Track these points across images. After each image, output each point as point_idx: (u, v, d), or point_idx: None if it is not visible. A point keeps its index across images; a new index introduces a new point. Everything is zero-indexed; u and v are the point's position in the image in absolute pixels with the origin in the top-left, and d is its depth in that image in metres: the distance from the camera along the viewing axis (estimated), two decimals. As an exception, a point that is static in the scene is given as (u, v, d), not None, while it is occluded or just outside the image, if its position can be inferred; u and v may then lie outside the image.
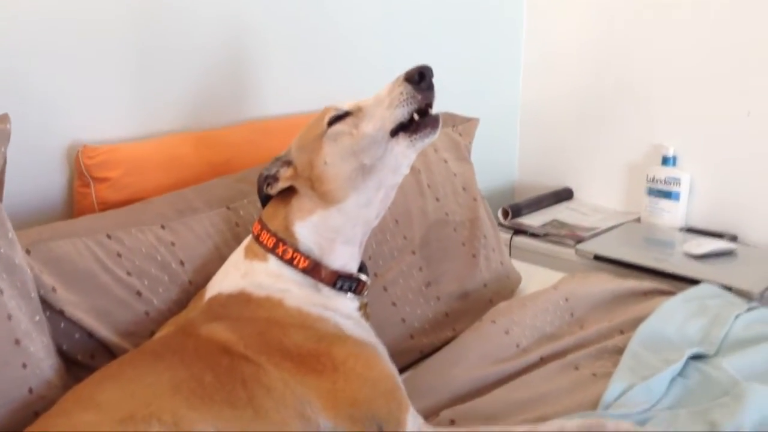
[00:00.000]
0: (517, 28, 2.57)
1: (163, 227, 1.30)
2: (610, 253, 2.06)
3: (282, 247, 1.17)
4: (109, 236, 1.24)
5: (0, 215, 1.01)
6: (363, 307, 1.22)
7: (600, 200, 2.54)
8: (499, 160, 2.66)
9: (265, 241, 1.18)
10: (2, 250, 1.00)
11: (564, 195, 2.58)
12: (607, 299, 1.60)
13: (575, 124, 2.55)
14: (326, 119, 1.16)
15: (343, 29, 1.97)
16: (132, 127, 1.55)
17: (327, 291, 1.18)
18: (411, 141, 1.13)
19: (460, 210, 1.69)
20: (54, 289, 1.13)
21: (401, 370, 1.43)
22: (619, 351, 1.37)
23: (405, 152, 1.14)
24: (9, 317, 0.98)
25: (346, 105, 1.17)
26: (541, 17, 2.54)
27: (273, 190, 1.22)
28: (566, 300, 1.54)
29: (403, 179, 1.57)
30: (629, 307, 1.58)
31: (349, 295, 1.19)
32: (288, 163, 1.20)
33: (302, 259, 1.16)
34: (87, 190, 1.42)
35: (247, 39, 1.74)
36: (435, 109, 1.16)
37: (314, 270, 1.16)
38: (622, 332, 1.46)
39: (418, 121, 1.13)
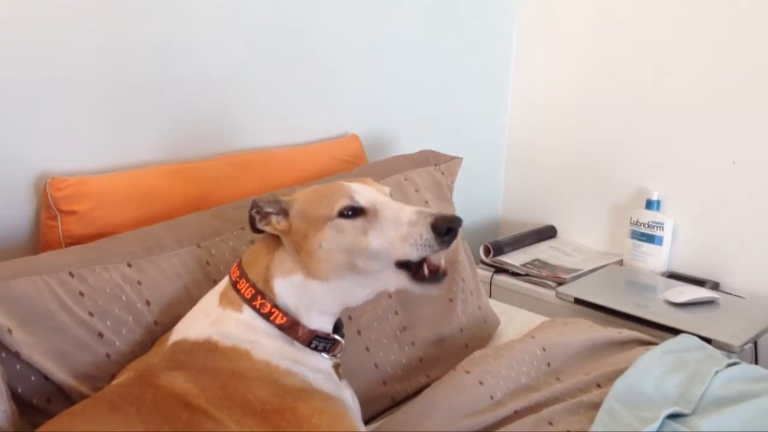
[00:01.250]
0: (505, 65, 2.56)
1: (129, 265, 1.26)
2: (590, 297, 2.04)
3: (260, 300, 1.12)
4: (71, 274, 1.19)
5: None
6: (336, 368, 1.18)
7: (583, 240, 2.52)
8: (483, 195, 2.65)
9: (243, 290, 1.14)
10: (-46, 293, 0.95)
11: (547, 233, 2.56)
12: (585, 349, 1.57)
13: (561, 163, 2.54)
14: (338, 207, 1.09)
15: (326, 64, 1.95)
16: (104, 159, 1.52)
17: (299, 346, 1.14)
18: (410, 283, 1.09)
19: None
20: (9, 331, 1.09)
21: (372, 418, 1.40)
22: (596, 406, 1.34)
23: (400, 284, 1.11)
24: (-42, 363, 0.94)
25: (364, 196, 1.11)
26: (530, 56, 2.53)
27: (261, 226, 1.17)
28: (543, 350, 1.50)
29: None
30: (607, 359, 1.55)
31: (324, 355, 1.15)
32: (285, 213, 1.15)
33: (280, 315, 1.12)
34: (54, 223, 1.38)
35: (226, 71, 1.71)
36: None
37: (291, 328, 1.12)
38: (599, 386, 1.42)
39: (428, 277, 1.09)
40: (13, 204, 1.39)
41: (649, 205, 2.26)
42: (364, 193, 1.12)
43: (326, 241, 1.10)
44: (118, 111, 1.53)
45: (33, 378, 1.11)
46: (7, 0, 1.32)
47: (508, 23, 2.53)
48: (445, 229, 1.04)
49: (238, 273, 1.16)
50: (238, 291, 1.14)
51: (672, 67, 2.21)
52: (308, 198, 1.15)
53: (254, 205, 1.16)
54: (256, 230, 1.18)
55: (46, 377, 1.12)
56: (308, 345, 1.13)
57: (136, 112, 1.56)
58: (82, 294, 1.19)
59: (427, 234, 1.04)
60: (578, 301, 2.04)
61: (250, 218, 1.17)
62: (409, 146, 2.09)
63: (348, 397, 1.17)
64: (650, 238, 2.25)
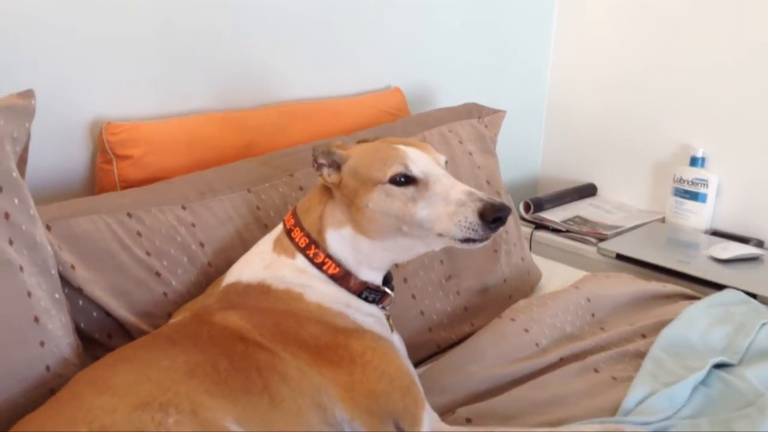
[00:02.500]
0: (547, 20, 2.53)
1: (184, 208, 1.29)
2: (632, 253, 2.03)
3: (314, 249, 1.14)
4: (129, 215, 1.22)
5: (23, 192, 1.00)
6: (386, 320, 1.20)
7: (624, 198, 2.50)
8: (522, 153, 2.63)
9: (297, 239, 1.15)
10: (24, 227, 0.98)
11: (587, 191, 2.54)
12: (629, 301, 1.58)
13: (602, 120, 2.51)
14: (391, 173, 1.09)
15: (371, 15, 1.94)
16: (155, 106, 1.54)
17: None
18: (453, 243, 1.09)
19: (484, 202, 1.66)
20: (73, 267, 1.12)
21: (418, 363, 1.42)
22: (641, 355, 1.35)
23: (443, 244, 1.11)
24: (29, 294, 0.97)
25: (418, 165, 1.10)
26: (572, 9, 2.49)
27: (317, 175, 1.17)
28: (588, 300, 1.51)
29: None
30: (652, 311, 1.55)
31: (373, 306, 1.17)
32: (338, 167, 1.15)
33: (333, 265, 1.13)
34: (109, 167, 1.41)
35: (274, 21, 1.71)
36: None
37: (343, 278, 1.13)
38: (644, 336, 1.43)
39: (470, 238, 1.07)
40: (70, 148, 1.42)
41: (694, 162, 2.23)
42: (419, 161, 1.11)
43: (374, 202, 1.10)
44: (170, 59, 1.54)
45: (95, 314, 1.15)
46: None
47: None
48: (493, 217, 1.04)
49: (292, 221, 1.17)
50: (292, 239, 1.16)
51: (717, 20, 2.15)
52: (363, 157, 1.14)
53: (316, 151, 1.17)
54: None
55: (107, 313, 1.15)
56: (359, 295, 1.15)
57: (187, 61, 1.57)
58: (139, 234, 1.22)
59: (474, 218, 1.04)
60: (620, 257, 2.04)
61: (312, 163, 1.18)
62: (450, 100, 2.08)
63: (396, 341, 1.19)
64: (694, 196, 2.22)
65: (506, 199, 1.75)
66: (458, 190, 1.07)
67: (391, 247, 1.14)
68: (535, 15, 2.48)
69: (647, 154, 2.42)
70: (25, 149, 1.04)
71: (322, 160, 1.16)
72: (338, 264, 1.13)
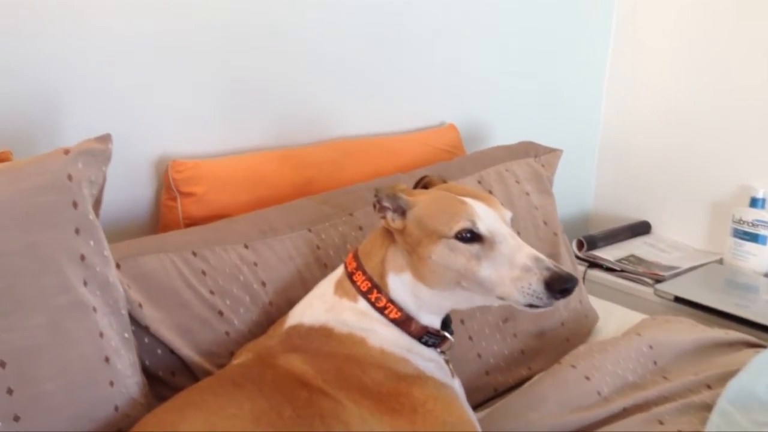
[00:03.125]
0: (602, 57, 2.51)
1: (246, 247, 1.30)
2: (691, 296, 1.98)
3: (376, 294, 1.13)
4: (194, 253, 1.24)
5: (98, 234, 1.02)
6: (446, 364, 1.19)
7: (679, 237, 2.45)
8: (573, 188, 2.60)
9: (359, 283, 1.15)
10: (98, 268, 1.01)
11: (641, 229, 2.50)
12: (692, 349, 1.53)
13: (657, 156, 2.47)
14: (457, 228, 1.07)
15: (425, 54, 1.95)
16: (217, 143, 1.56)
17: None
18: (514, 305, 1.07)
19: (541, 245, 1.65)
20: (140, 305, 1.14)
21: (475, 407, 1.40)
22: (707, 408, 1.31)
23: (503, 304, 1.10)
24: (101, 335, 0.99)
25: (485, 222, 1.08)
26: (628, 48, 2.47)
27: (379, 218, 1.17)
28: (650, 347, 1.48)
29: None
30: (715, 359, 1.51)
31: (432, 350, 1.15)
32: (403, 212, 1.14)
33: (395, 310, 1.12)
34: (173, 204, 1.43)
35: (329, 59, 1.73)
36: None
37: (405, 323, 1.13)
38: (709, 387, 1.39)
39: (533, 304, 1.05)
40: (136, 185, 1.45)
41: (754, 203, 2.18)
42: (486, 218, 1.09)
43: (437, 255, 1.09)
44: (231, 98, 1.57)
45: (159, 352, 1.16)
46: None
47: (607, 15, 2.47)
48: (560, 291, 1.02)
49: (354, 264, 1.17)
50: (354, 282, 1.15)
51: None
52: (429, 207, 1.13)
53: (375, 194, 1.16)
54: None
55: (171, 351, 1.16)
56: (419, 339, 1.14)
57: (247, 99, 1.60)
58: (204, 273, 1.23)
59: (539, 287, 1.02)
60: (678, 300, 1.99)
61: (374, 204, 1.18)
62: (503, 135, 2.08)
63: (457, 386, 1.18)
64: (753, 237, 2.17)
65: (563, 240, 1.73)
66: (524, 254, 1.05)
67: (450, 297, 1.13)
68: (589, 51, 2.47)
69: (704, 192, 2.38)
70: (101, 191, 1.06)
71: (386, 204, 1.15)
72: (399, 308, 1.13)
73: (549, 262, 1.04)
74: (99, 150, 1.03)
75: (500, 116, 2.20)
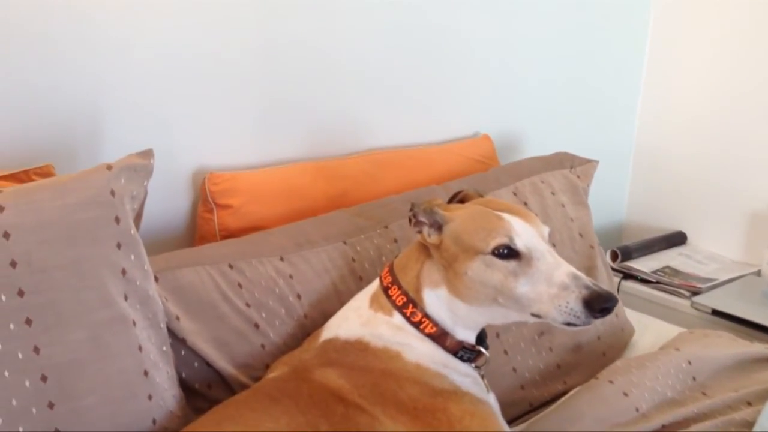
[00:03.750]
0: (638, 66, 2.48)
1: (282, 259, 1.31)
2: (729, 309, 1.95)
3: (411, 308, 1.13)
4: (231, 266, 1.25)
5: (138, 248, 1.03)
6: (481, 379, 1.18)
7: (716, 248, 2.41)
8: (607, 198, 2.57)
9: (394, 297, 1.15)
10: (138, 283, 1.02)
11: (676, 239, 2.46)
12: (731, 364, 1.50)
13: (693, 165, 2.43)
14: (494, 244, 1.07)
15: (458, 64, 1.95)
16: (252, 155, 1.58)
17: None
18: (552, 323, 1.06)
19: (577, 257, 1.63)
20: (178, 318, 1.15)
21: (510, 422, 1.39)
22: (748, 425, 1.28)
23: (539, 321, 1.09)
24: (140, 348, 1.00)
25: (523, 239, 1.07)
26: (664, 56, 2.44)
27: (414, 233, 1.17)
28: (689, 363, 1.45)
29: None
30: (755, 375, 1.48)
31: (467, 365, 1.15)
32: (439, 228, 1.13)
33: (430, 324, 1.12)
34: (210, 216, 1.45)
35: (364, 71, 1.74)
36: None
37: (440, 337, 1.12)
38: (749, 404, 1.36)
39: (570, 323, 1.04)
40: (173, 197, 1.47)
41: (794, 213, 2.14)
42: (523, 234, 1.08)
43: (474, 271, 1.08)
44: (265, 110, 1.58)
45: (196, 364, 1.17)
46: (172, 7, 1.39)
47: (643, 23, 2.44)
48: (598, 309, 1.00)
49: (390, 279, 1.17)
50: (389, 297, 1.15)
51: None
52: (465, 223, 1.12)
53: (411, 208, 1.16)
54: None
55: (208, 364, 1.17)
56: (455, 354, 1.13)
57: (282, 112, 1.61)
58: (240, 285, 1.24)
59: (577, 306, 1.01)
60: (716, 313, 1.96)
61: (409, 219, 1.17)
62: (537, 146, 2.06)
63: (492, 401, 1.17)
64: (793, 249, 2.13)
65: (600, 252, 1.71)
66: (563, 271, 1.04)
67: (485, 313, 1.13)
68: (625, 58, 2.44)
69: (742, 202, 2.33)
70: (141, 206, 1.08)
71: (422, 218, 1.15)
72: (435, 323, 1.12)
73: (588, 280, 1.03)
74: (141, 165, 1.04)
75: (534, 126, 2.18)
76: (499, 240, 1.07)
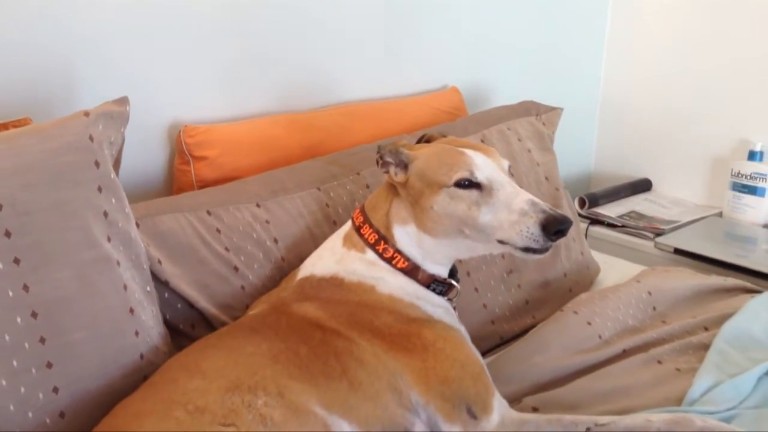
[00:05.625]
0: (601, 15, 2.53)
1: (258, 206, 1.35)
2: (691, 247, 2.03)
3: (383, 245, 1.18)
4: (209, 212, 1.29)
5: (119, 192, 1.07)
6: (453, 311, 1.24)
7: (680, 193, 2.49)
8: (575, 148, 2.63)
9: (366, 235, 1.20)
10: (120, 225, 1.06)
11: (642, 186, 2.54)
12: (690, 295, 1.59)
13: (657, 114, 2.50)
14: (456, 177, 1.13)
15: (428, 17, 1.98)
16: (226, 108, 1.61)
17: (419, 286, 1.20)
18: (513, 251, 1.12)
19: (543, 199, 1.65)
20: (159, 261, 1.19)
21: (481, 355, 1.45)
22: (704, 347, 1.37)
23: (503, 250, 1.15)
24: (125, 287, 1.05)
25: (483, 172, 1.13)
26: (627, 5, 2.49)
27: (383, 173, 1.22)
28: (649, 294, 1.53)
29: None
30: (713, 304, 1.57)
31: (439, 297, 1.20)
32: (405, 166, 1.19)
33: (402, 259, 1.18)
34: (187, 168, 1.48)
35: (337, 23, 1.77)
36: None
37: (412, 272, 1.18)
38: (706, 329, 1.45)
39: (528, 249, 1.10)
40: (150, 150, 1.50)
41: (752, 156, 2.22)
42: (484, 168, 1.14)
43: (439, 205, 1.14)
44: (238, 64, 1.61)
45: (179, 306, 1.22)
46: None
47: (606, -27, 2.49)
48: (554, 231, 1.07)
49: (361, 218, 1.22)
50: (361, 235, 1.21)
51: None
52: (429, 159, 1.17)
53: (378, 150, 1.21)
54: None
55: (190, 305, 1.22)
56: (427, 287, 1.19)
57: (254, 65, 1.64)
58: (218, 231, 1.28)
59: (536, 229, 1.07)
60: (678, 252, 2.05)
61: (376, 160, 1.23)
62: (505, 98, 2.11)
63: (463, 331, 1.23)
64: (752, 190, 2.21)
65: (565, 195, 1.78)
66: (521, 199, 1.10)
67: (453, 246, 1.19)
68: (589, 10, 2.49)
69: (703, 148, 2.41)
70: (120, 152, 1.11)
71: (388, 159, 1.20)
72: (407, 258, 1.18)
73: (545, 205, 1.09)
74: (117, 112, 1.08)
75: (502, 78, 2.23)
76: (461, 173, 1.13)
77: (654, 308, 1.52)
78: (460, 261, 1.42)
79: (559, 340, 1.38)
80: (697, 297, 1.60)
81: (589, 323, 1.42)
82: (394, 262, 1.18)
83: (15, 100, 1.30)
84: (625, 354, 1.37)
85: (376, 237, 1.19)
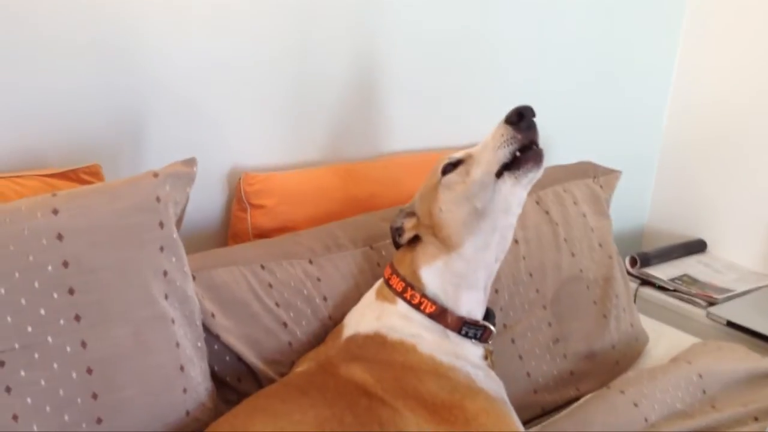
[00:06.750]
0: (667, 70, 2.50)
1: (311, 262, 1.37)
2: (745, 321, 1.98)
3: (410, 291, 1.21)
4: (263, 267, 1.31)
5: (179, 251, 1.10)
6: (489, 355, 1.24)
7: (736, 257, 2.44)
8: (629, 202, 2.59)
9: (394, 285, 1.24)
10: (178, 283, 1.08)
11: (696, 247, 2.49)
12: (742, 378, 1.54)
13: (716, 172, 2.45)
14: (440, 169, 1.21)
15: (486, 67, 1.98)
16: (283, 156, 1.64)
17: (454, 337, 1.20)
18: (516, 178, 1.16)
19: (595, 267, 1.68)
20: (213, 315, 1.21)
21: (522, 424, 1.44)
22: (753, 440, 1.33)
23: (512, 191, 1.17)
24: (177, 345, 1.07)
25: (458, 153, 1.23)
26: (695, 61, 2.45)
27: (402, 240, 1.28)
28: (700, 376, 1.49)
29: (539, 231, 1.60)
30: (765, 391, 1.52)
31: (473, 341, 1.21)
32: (412, 213, 1.27)
33: (429, 304, 1.20)
34: (244, 215, 1.51)
35: (393, 77, 1.78)
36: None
37: (440, 315, 1.20)
38: (756, 419, 1.41)
39: (520, 157, 1.16)
40: (208, 195, 1.53)
41: (815, 227, 2.16)
42: (457, 153, 1.23)
43: (444, 202, 1.20)
44: (297, 112, 1.63)
45: (228, 358, 1.24)
46: (210, 14, 1.45)
47: (674, 28, 2.46)
48: (515, 116, 1.14)
49: (390, 271, 1.27)
50: (390, 286, 1.24)
51: None
52: (421, 185, 1.29)
53: (391, 228, 1.30)
54: (398, 246, 1.31)
55: (239, 358, 1.24)
56: (459, 332, 1.20)
57: (311, 114, 1.66)
58: (270, 285, 1.30)
59: (505, 131, 1.15)
60: (731, 325, 1.99)
61: (393, 241, 1.30)
62: (560, 149, 2.09)
63: (494, 378, 1.22)
64: (813, 263, 2.15)
65: (618, 263, 1.75)
66: (489, 135, 1.19)
67: (479, 245, 1.20)
68: (653, 63, 2.46)
69: (763, 211, 2.35)
70: (183, 210, 1.14)
71: (399, 223, 1.28)
72: (434, 302, 1.20)
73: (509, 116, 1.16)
74: (184, 173, 1.10)
75: (558, 129, 2.21)
76: (441, 164, 1.22)
77: (704, 392, 1.48)
78: (504, 324, 1.42)
79: (603, 420, 1.35)
80: (749, 381, 1.55)
81: (635, 404, 1.39)
82: (422, 307, 1.20)
83: (86, 145, 1.35)
84: (670, 441, 1.34)
85: (403, 285, 1.23)
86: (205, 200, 1.53)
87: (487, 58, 1.98)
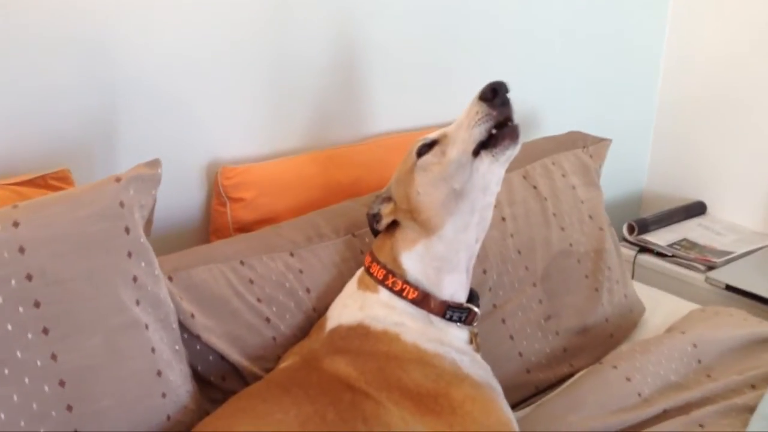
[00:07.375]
0: (660, 31, 2.45)
1: (292, 255, 1.35)
2: (744, 284, 1.95)
3: (391, 278, 1.20)
4: (242, 263, 1.29)
5: (149, 255, 1.08)
6: (474, 338, 1.23)
7: (736, 218, 2.40)
8: (626, 168, 2.56)
9: (375, 273, 1.22)
10: (149, 288, 1.07)
11: (696, 210, 2.45)
12: (739, 345, 1.52)
13: (715, 132, 2.41)
14: (415, 151, 1.19)
15: (470, 43, 1.94)
16: (262, 145, 1.61)
17: (438, 322, 1.19)
18: (493, 156, 1.14)
19: (585, 240, 1.65)
20: (192, 315, 1.20)
21: (515, 405, 1.43)
22: (749, 409, 1.31)
23: (490, 169, 1.15)
24: (153, 350, 1.05)
25: (432, 134, 1.20)
26: (687, 19, 2.40)
27: (380, 226, 1.27)
28: (694, 346, 1.47)
29: (527, 207, 1.58)
30: (763, 356, 1.50)
31: (458, 324, 1.20)
32: (388, 198, 1.26)
33: (411, 290, 1.18)
34: (223, 209, 1.49)
35: (374, 52, 1.75)
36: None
37: (423, 301, 1.18)
38: (753, 387, 1.39)
39: (496, 134, 1.13)
40: (187, 190, 1.51)
41: (815, 184, 2.12)
42: (430, 135, 1.21)
43: (421, 185, 1.17)
44: (273, 100, 1.60)
45: (211, 358, 1.22)
46: (181, 3, 1.42)
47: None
48: (489, 93, 1.11)
49: (370, 259, 1.25)
50: (371, 275, 1.23)
51: None
52: (396, 169, 1.26)
53: (368, 215, 1.28)
54: (377, 233, 1.29)
55: (222, 357, 1.22)
56: (443, 316, 1.18)
57: (289, 100, 1.63)
58: (251, 281, 1.28)
59: (480, 108, 1.12)
60: (730, 288, 1.97)
61: (371, 228, 1.28)
62: (552, 118, 2.05)
63: (479, 360, 1.21)
64: (814, 221, 2.11)
65: (610, 234, 1.72)
66: (463, 113, 1.16)
67: (459, 226, 1.18)
68: (646, 27, 2.41)
69: (764, 170, 2.31)
70: (151, 212, 1.12)
71: (376, 209, 1.26)
72: (416, 287, 1.19)
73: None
74: (149, 175, 1.08)
75: (550, 99, 2.17)
76: (416, 146, 1.20)
77: (699, 361, 1.46)
78: (493, 304, 1.40)
79: (595, 397, 1.33)
80: (746, 348, 1.53)
81: (628, 379, 1.37)
82: (404, 293, 1.19)
83: (54, 146, 1.33)
84: (665, 415, 1.32)
85: (384, 272, 1.21)
86: (185, 197, 1.51)
87: (471, 30, 1.93)
